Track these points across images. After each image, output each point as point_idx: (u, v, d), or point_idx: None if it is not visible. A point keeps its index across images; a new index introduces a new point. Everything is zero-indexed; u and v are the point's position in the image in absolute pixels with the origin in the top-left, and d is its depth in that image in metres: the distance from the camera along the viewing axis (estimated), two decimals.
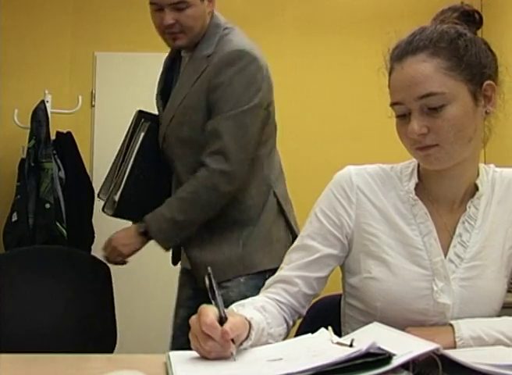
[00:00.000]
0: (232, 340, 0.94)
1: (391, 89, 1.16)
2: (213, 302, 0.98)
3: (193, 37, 1.89)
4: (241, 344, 0.98)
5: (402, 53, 1.14)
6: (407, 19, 3.84)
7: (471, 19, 1.18)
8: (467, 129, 1.12)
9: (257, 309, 1.11)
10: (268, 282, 1.26)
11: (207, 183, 1.82)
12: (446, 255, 1.19)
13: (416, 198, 1.21)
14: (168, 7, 1.84)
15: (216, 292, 0.98)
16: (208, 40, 1.89)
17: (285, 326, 1.19)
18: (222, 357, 0.94)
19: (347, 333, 1.27)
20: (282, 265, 1.27)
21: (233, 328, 0.93)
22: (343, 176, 1.26)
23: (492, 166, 1.28)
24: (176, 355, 0.97)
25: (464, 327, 1.10)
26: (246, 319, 1.01)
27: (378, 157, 1.40)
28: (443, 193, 1.21)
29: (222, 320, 0.94)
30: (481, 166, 1.25)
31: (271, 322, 1.11)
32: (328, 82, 3.88)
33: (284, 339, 1.17)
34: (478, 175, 1.22)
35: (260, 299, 1.20)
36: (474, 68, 1.12)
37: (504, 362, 0.89)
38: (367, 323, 1.20)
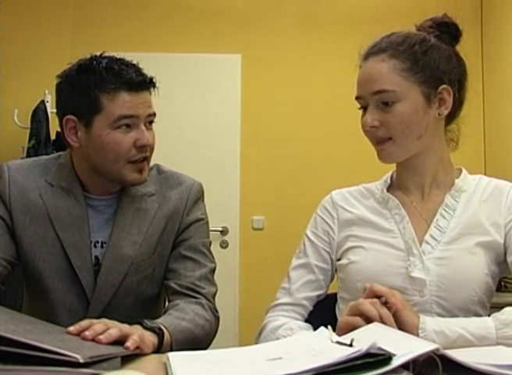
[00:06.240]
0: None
1: (356, 84, 1.30)
2: None
3: None
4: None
5: (368, 53, 1.29)
6: (406, 18, 3.86)
7: (449, 30, 1.30)
8: (417, 126, 1.25)
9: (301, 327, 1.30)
10: (275, 304, 1.38)
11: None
12: (422, 238, 1.28)
13: (387, 193, 1.36)
14: None
15: None
16: None
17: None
18: None
19: None
20: (285, 284, 1.40)
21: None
22: (326, 199, 1.44)
23: (480, 175, 1.39)
24: (176, 356, 0.97)
25: (429, 320, 1.11)
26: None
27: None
28: (410, 183, 1.35)
29: None
30: (471, 175, 1.37)
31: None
32: (328, 80, 3.89)
33: None
34: (459, 175, 1.35)
35: (287, 321, 1.33)
36: (431, 72, 1.24)
37: (504, 362, 0.89)
38: None
